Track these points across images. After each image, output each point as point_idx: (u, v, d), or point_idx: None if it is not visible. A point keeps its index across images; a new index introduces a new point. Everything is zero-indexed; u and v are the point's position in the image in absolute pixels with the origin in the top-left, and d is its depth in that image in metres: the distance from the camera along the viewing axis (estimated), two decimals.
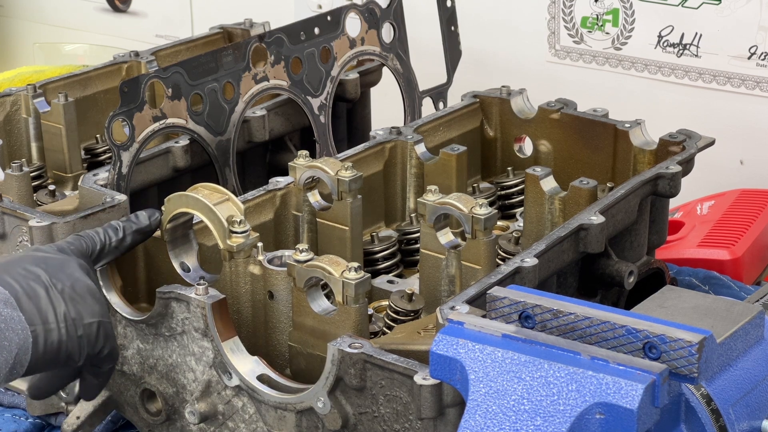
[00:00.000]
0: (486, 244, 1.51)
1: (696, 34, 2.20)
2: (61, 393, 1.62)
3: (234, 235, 1.45)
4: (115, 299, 1.50)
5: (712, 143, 1.79)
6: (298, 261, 1.41)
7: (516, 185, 1.88)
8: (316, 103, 1.93)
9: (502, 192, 1.89)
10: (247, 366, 1.42)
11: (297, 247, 1.41)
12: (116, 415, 1.57)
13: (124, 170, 1.69)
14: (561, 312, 1.16)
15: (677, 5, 2.21)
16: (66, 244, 1.41)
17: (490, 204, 1.68)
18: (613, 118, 1.85)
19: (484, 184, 1.91)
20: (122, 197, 1.62)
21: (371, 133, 1.84)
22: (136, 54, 2.11)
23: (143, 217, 1.48)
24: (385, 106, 2.19)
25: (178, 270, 1.50)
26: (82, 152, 1.99)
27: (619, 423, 1.08)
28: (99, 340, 1.35)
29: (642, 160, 1.80)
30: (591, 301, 1.44)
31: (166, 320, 1.46)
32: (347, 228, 1.64)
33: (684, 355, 1.10)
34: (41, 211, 1.63)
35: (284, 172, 1.69)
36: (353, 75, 2.03)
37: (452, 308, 1.31)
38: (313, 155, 1.71)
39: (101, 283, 1.49)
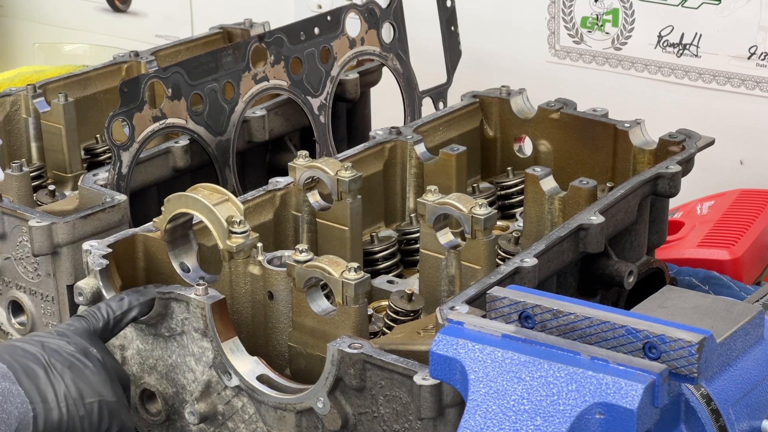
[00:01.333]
0: (486, 244, 1.51)
1: (696, 34, 2.20)
2: None
3: (234, 235, 1.45)
4: None
5: (711, 143, 1.79)
6: (297, 261, 1.41)
7: (516, 185, 1.88)
8: (316, 103, 1.93)
9: (502, 192, 1.89)
10: (247, 366, 1.42)
11: (297, 247, 1.41)
12: None
13: (124, 170, 1.69)
14: (561, 312, 1.16)
15: (677, 5, 2.21)
16: (65, 327, 1.39)
17: (490, 204, 1.68)
18: (613, 118, 1.85)
19: (483, 184, 1.91)
20: (122, 197, 1.62)
21: (371, 133, 1.84)
22: (136, 54, 2.11)
23: (152, 288, 1.46)
24: (385, 106, 2.19)
25: (178, 270, 1.49)
26: (82, 152, 1.99)
27: (619, 423, 1.08)
28: (103, 419, 1.34)
29: (642, 160, 1.80)
30: (591, 301, 1.44)
31: (165, 320, 1.46)
32: (347, 228, 1.64)
33: (684, 355, 1.10)
34: (41, 211, 1.63)
35: (284, 172, 1.69)
36: (353, 75, 2.04)
37: (452, 308, 1.31)
38: (313, 155, 1.71)
39: (107, 295, 1.49)
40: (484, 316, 1.23)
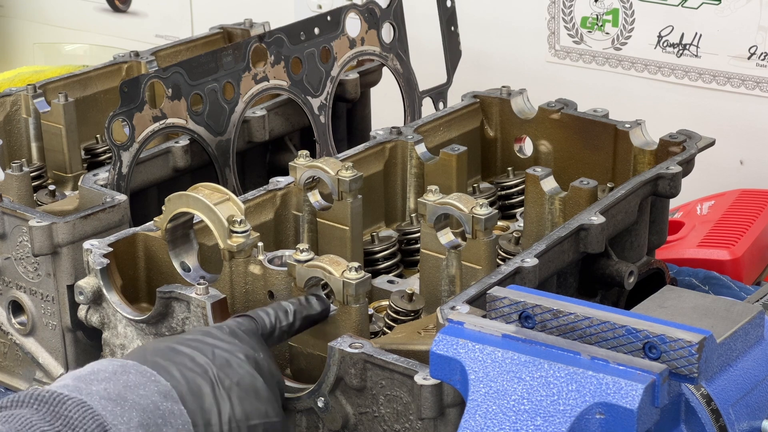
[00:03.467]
0: (486, 244, 1.51)
1: (696, 34, 2.20)
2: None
3: (234, 234, 1.45)
4: (115, 299, 1.50)
5: (712, 144, 1.79)
6: (298, 261, 1.41)
7: (516, 185, 1.88)
8: (316, 103, 1.93)
9: (503, 192, 1.89)
10: None
11: (297, 247, 1.41)
12: None
13: (124, 170, 1.69)
14: (561, 312, 1.16)
15: (677, 5, 2.21)
16: (236, 325, 1.32)
17: (491, 204, 1.68)
18: (613, 118, 1.85)
19: (484, 184, 1.91)
20: (122, 197, 1.62)
21: (371, 133, 1.84)
22: (136, 54, 2.11)
23: (315, 303, 1.39)
24: (385, 106, 2.19)
25: (179, 270, 1.50)
26: (82, 152, 1.99)
27: (619, 423, 1.08)
28: None
29: (642, 161, 1.80)
30: (591, 301, 1.44)
31: (166, 320, 1.46)
32: (347, 228, 1.64)
33: (684, 355, 1.10)
34: (41, 211, 1.63)
35: (284, 172, 1.69)
36: (353, 75, 2.04)
37: (452, 308, 1.31)
38: (313, 155, 1.71)
39: (111, 290, 1.49)
40: (484, 316, 1.23)
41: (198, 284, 1.43)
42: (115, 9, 2.96)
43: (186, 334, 1.32)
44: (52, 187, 1.87)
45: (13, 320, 1.66)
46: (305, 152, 1.67)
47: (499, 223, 1.78)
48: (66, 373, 1.22)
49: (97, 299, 1.50)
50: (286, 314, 1.36)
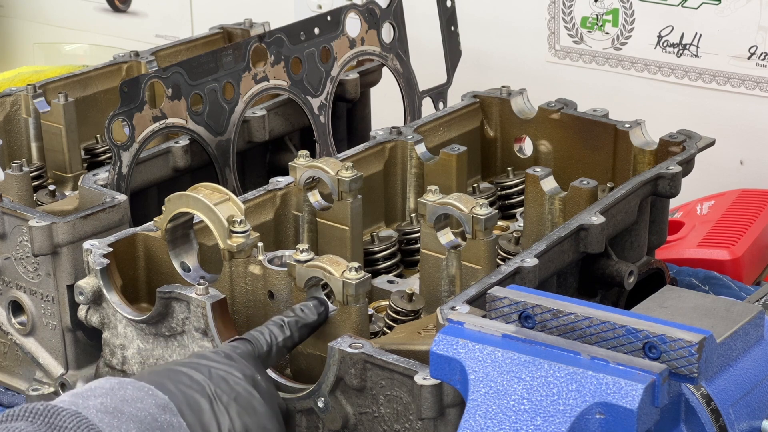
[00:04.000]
0: (486, 244, 1.51)
1: (696, 34, 2.20)
2: (61, 391, 1.62)
3: (234, 235, 1.45)
4: (115, 299, 1.50)
5: (712, 143, 1.79)
6: (298, 261, 1.41)
7: (516, 185, 1.88)
8: (316, 103, 1.93)
9: (502, 192, 1.89)
10: None
11: (297, 247, 1.41)
12: None
13: (124, 170, 1.69)
14: (561, 312, 1.16)
15: (677, 5, 2.21)
16: (231, 349, 1.32)
17: (490, 204, 1.68)
18: (613, 118, 1.85)
19: (484, 184, 1.91)
20: (122, 197, 1.62)
21: (371, 133, 1.84)
22: (136, 54, 2.11)
23: (311, 310, 1.39)
24: (385, 106, 2.19)
25: (179, 270, 1.50)
26: (82, 152, 1.99)
27: (619, 423, 1.08)
28: None
29: (642, 161, 1.80)
30: (591, 301, 1.44)
31: (166, 320, 1.46)
32: (347, 228, 1.64)
33: (684, 355, 1.10)
34: (41, 211, 1.63)
35: (284, 172, 1.69)
36: (353, 75, 2.04)
37: (452, 308, 1.31)
38: (313, 155, 1.71)
39: (110, 290, 1.49)
40: (484, 316, 1.23)
41: (198, 284, 1.43)
42: (115, 9, 2.96)
43: (181, 359, 1.33)
44: (52, 187, 1.87)
45: (13, 320, 1.66)
46: (305, 152, 1.67)
47: (499, 223, 1.78)
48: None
49: (97, 299, 1.50)
50: (281, 329, 1.36)
